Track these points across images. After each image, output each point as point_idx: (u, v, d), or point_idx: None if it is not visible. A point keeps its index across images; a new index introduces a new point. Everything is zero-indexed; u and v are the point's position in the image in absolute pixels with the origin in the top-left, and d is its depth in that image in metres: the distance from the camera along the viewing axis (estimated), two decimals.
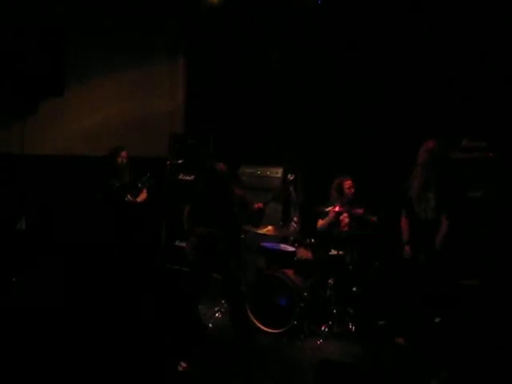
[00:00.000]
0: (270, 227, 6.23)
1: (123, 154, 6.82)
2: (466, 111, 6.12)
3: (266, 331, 5.82)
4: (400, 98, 6.62)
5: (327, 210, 6.17)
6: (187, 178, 7.87)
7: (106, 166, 6.83)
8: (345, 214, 6.26)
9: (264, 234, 6.26)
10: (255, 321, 5.88)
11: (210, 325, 6.00)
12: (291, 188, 7.00)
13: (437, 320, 5.19)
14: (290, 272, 6.06)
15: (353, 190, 6.28)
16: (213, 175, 5.56)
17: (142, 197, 6.89)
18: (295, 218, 6.70)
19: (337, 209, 6.08)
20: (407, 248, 5.27)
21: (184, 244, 6.07)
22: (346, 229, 6.27)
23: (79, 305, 5.96)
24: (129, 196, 6.69)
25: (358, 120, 6.96)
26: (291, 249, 6.41)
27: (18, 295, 6.11)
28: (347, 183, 6.31)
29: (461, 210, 5.09)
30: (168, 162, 8.07)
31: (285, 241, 6.65)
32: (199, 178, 6.07)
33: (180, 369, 4.78)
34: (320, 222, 6.38)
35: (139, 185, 6.66)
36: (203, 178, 5.78)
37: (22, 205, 6.67)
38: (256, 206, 5.91)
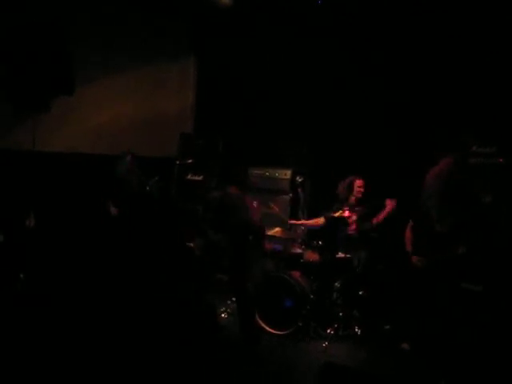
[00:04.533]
0: (277, 229, 6.23)
1: (129, 158, 6.76)
2: (474, 117, 6.09)
3: (271, 332, 5.83)
4: (410, 102, 6.58)
5: (336, 215, 6.14)
6: (196, 178, 7.88)
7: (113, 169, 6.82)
8: (353, 214, 6.23)
9: (272, 236, 6.26)
10: (261, 322, 5.89)
11: None
12: (300, 190, 7.00)
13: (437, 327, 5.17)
14: (296, 274, 6.06)
15: (363, 190, 6.27)
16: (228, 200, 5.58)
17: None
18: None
19: (346, 214, 6.05)
20: (415, 258, 5.23)
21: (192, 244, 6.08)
22: (354, 227, 6.24)
23: (87, 301, 6.00)
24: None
25: (368, 122, 6.93)
26: (298, 251, 6.41)
27: (25, 291, 6.15)
28: (359, 182, 6.29)
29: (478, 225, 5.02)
30: (177, 162, 8.09)
31: (292, 243, 6.65)
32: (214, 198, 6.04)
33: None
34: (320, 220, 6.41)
35: (147, 188, 6.63)
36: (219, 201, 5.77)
37: (32, 202, 6.71)
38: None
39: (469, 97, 6.19)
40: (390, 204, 6.06)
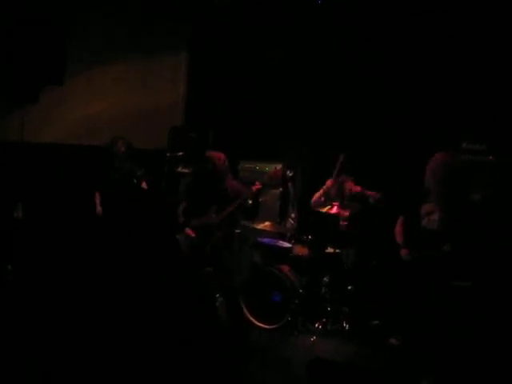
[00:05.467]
0: (267, 223, 6.22)
1: (120, 144, 6.73)
2: (465, 114, 6.11)
3: (259, 326, 5.83)
4: (404, 100, 6.59)
5: (324, 210, 6.13)
6: (186, 170, 7.85)
7: (104, 156, 6.79)
8: (345, 209, 6.22)
9: (261, 230, 6.25)
10: (249, 316, 5.89)
11: None
12: (290, 184, 7.00)
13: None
14: (285, 268, 6.06)
15: (354, 191, 6.25)
16: (203, 166, 5.50)
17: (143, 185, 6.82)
18: (293, 215, 6.71)
19: (334, 210, 6.04)
20: (404, 251, 5.24)
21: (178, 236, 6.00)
22: (346, 223, 6.24)
23: (77, 294, 5.98)
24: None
25: (358, 117, 6.93)
26: (287, 245, 6.40)
27: (14, 283, 6.12)
28: (349, 184, 6.28)
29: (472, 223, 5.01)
30: (168, 155, 8.06)
31: (282, 237, 6.64)
32: (193, 170, 6.00)
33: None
34: (315, 196, 6.38)
35: (135, 181, 6.59)
36: (195, 170, 5.73)
37: (20, 193, 6.67)
38: (254, 188, 5.79)
39: (459, 95, 6.21)
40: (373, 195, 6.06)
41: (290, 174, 6.96)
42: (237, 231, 6.38)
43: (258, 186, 5.46)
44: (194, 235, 5.28)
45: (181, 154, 7.88)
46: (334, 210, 6.03)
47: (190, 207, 5.57)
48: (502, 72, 5.93)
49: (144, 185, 6.57)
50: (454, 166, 4.93)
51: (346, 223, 6.25)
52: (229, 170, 5.96)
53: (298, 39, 7.43)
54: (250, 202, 5.50)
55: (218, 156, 5.69)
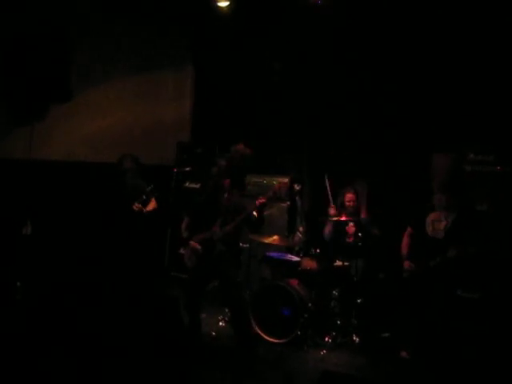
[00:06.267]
0: (275, 237, 6.20)
1: (128, 160, 6.75)
2: (472, 124, 6.11)
3: (269, 341, 5.80)
4: (407, 110, 6.60)
5: (333, 219, 6.16)
6: (194, 185, 7.86)
7: (112, 173, 6.82)
8: (351, 224, 6.27)
9: (269, 244, 6.24)
10: (258, 330, 5.87)
11: (214, 333, 5.99)
12: (297, 198, 7.01)
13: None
14: (294, 282, 6.05)
15: (353, 204, 6.26)
16: (208, 182, 5.49)
17: (152, 205, 6.84)
18: (301, 228, 6.70)
19: (343, 218, 6.06)
20: (407, 263, 5.22)
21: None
22: (352, 239, 6.26)
23: (80, 308, 5.98)
24: (136, 204, 6.63)
25: (365, 129, 6.94)
26: (296, 259, 6.39)
27: (23, 300, 6.12)
28: (347, 196, 6.30)
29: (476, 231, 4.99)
30: (174, 170, 8.09)
31: (290, 251, 6.64)
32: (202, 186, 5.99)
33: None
34: (326, 228, 6.40)
35: (144, 197, 6.60)
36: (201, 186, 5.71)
37: (28, 209, 6.69)
38: (257, 202, 5.79)
39: (468, 105, 6.21)
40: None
41: (298, 188, 6.98)
42: (245, 246, 6.37)
43: (262, 200, 5.46)
44: (199, 247, 5.27)
45: (188, 169, 7.90)
46: (343, 218, 6.06)
47: (194, 223, 5.56)
48: (510, 82, 5.94)
49: (138, 206, 6.57)
50: (455, 167, 4.95)
51: (352, 235, 6.26)
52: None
53: (300, 51, 7.46)
54: (255, 213, 5.49)
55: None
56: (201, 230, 5.35)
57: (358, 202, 6.30)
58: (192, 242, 5.30)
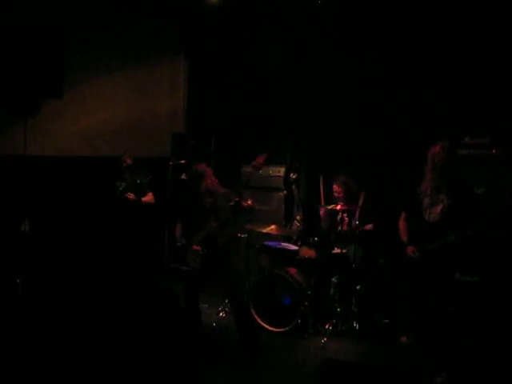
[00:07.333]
0: (272, 226, 6.22)
1: (126, 156, 6.80)
2: (468, 107, 6.10)
3: (269, 330, 5.83)
4: (402, 95, 6.58)
5: (329, 207, 6.15)
6: None
7: (111, 167, 6.83)
8: (344, 214, 6.24)
9: (267, 233, 6.25)
10: (259, 320, 5.90)
11: (214, 324, 6.02)
12: (294, 186, 7.01)
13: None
14: (293, 271, 6.06)
15: (341, 195, 6.21)
16: (194, 182, 5.47)
17: (149, 198, 6.86)
18: (298, 217, 6.70)
19: (338, 207, 6.05)
20: (410, 249, 5.21)
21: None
22: (346, 228, 6.24)
23: (80, 304, 5.99)
24: (129, 194, 6.66)
25: (360, 117, 6.92)
26: (294, 247, 6.40)
27: (22, 296, 6.13)
28: (334, 188, 6.27)
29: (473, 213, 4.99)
30: (170, 163, 8.08)
31: (288, 240, 6.64)
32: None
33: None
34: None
35: (138, 181, 6.62)
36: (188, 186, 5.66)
37: (25, 206, 6.68)
38: (245, 203, 5.80)
39: (461, 89, 6.20)
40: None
41: (294, 177, 6.98)
42: (243, 236, 6.38)
43: (249, 202, 5.53)
44: (200, 248, 5.31)
45: (183, 161, 7.89)
46: (339, 207, 6.04)
47: (188, 226, 5.58)
48: (504, 65, 5.93)
49: (131, 195, 6.62)
50: (448, 153, 4.94)
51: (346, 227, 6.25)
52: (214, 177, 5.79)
53: (297, 42, 7.43)
54: (250, 202, 5.55)
55: (202, 168, 5.57)
56: (194, 231, 5.39)
57: (350, 191, 6.23)
58: (193, 247, 5.35)
